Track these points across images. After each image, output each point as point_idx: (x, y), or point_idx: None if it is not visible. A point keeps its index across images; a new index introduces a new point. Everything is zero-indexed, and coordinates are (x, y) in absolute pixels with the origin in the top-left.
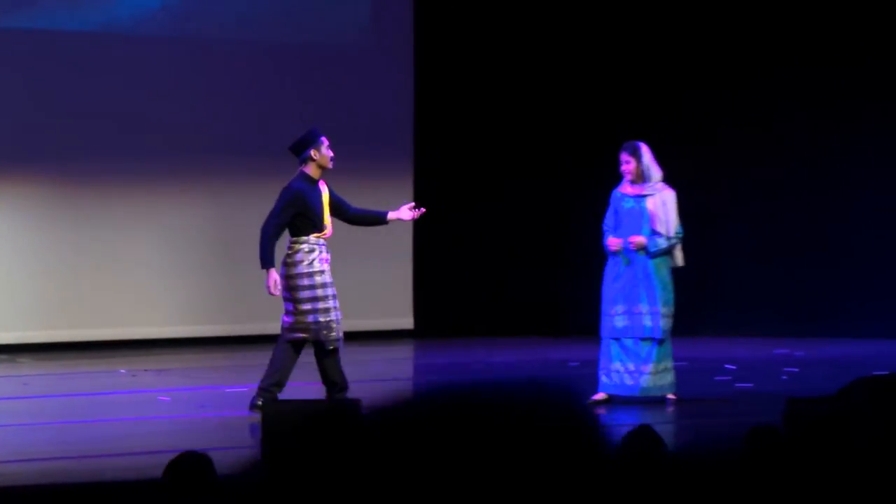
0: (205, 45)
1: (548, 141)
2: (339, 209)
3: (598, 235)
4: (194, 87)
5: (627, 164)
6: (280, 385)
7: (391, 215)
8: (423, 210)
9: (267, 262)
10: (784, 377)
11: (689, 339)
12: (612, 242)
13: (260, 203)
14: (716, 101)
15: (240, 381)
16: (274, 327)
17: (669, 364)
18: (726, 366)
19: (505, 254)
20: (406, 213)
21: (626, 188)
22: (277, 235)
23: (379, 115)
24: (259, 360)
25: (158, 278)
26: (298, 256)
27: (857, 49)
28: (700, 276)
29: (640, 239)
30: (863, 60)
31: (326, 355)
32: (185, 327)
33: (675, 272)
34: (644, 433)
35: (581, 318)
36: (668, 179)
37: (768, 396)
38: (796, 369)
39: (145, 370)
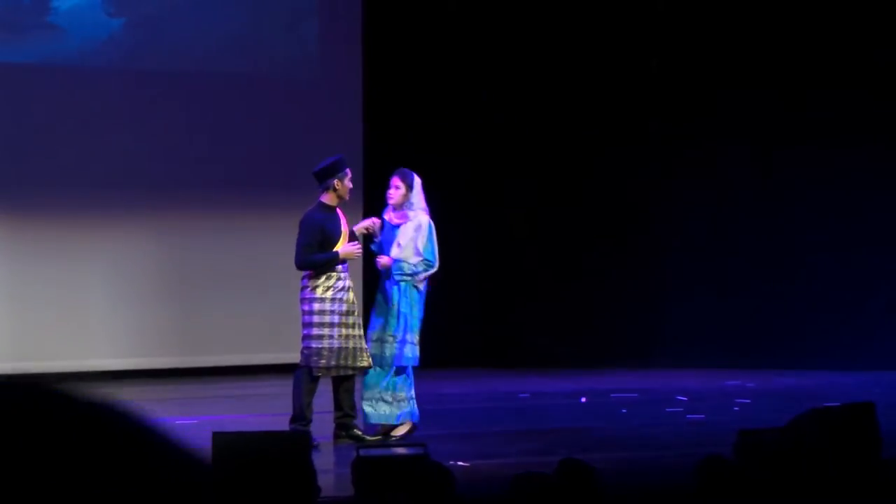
0: (153, 77)
1: (495, 174)
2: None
3: (550, 266)
4: (142, 119)
5: (396, 190)
6: (302, 419)
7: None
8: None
9: (331, 256)
10: (736, 408)
11: (641, 370)
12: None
13: (211, 234)
14: (666, 134)
15: (188, 413)
16: (223, 359)
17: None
18: (678, 397)
19: (457, 284)
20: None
21: (388, 215)
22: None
23: (327, 146)
24: (208, 392)
25: (107, 310)
26: (304, 282)
27: (810, 83)
28: (651, 307)
29: (386, 259)
30: (815, 95)
31: (311, 381)
32: (133, 359)
33: (605, 302)
34: (575, 466)
35: (531, 350)
36: (620, 211)
37: (720, 428)
38: (748, 401)
39: None
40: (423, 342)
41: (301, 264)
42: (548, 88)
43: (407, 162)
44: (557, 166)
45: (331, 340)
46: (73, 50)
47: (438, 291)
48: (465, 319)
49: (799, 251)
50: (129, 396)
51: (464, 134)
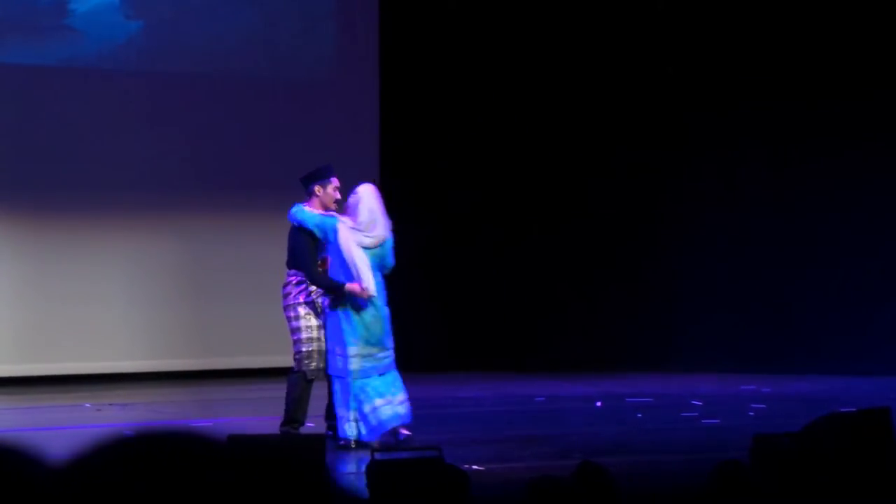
0: (171, 79)
1: (514, 177)
2: None
3: (565, 270)
4: (159, 122)
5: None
6: (294, 421)
7: None
8: None
9: (336, 285)
10: (751, 413)
11: (656, 374)
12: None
13: (226, 237)
14: (682, 139)
15: (205, 415)
16: (239, 361)
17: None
18: (693, 402)
19: (471, 289)
20: None
21: None
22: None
23: (344, 149)
24: (224, 395)
25: (123, 312)
26: (287, 289)
27: (825, 87)
28: (667, 311)
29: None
30: (831, 100)
31: (306, 384)
32: (150, 361)
33: (620, 306)
34: (591, 469)
35: (547, 354)
36: (636, 216)
37: (735, 432)
38: (763, 405)
39: (110, 404)
40: (435, 344)
41: (314, 280)
42: (564, 90)
43: (423, 166)
44: (576, 170)
45: (319, 343)
46: (91, 52)
47: (455, 296)
48: (480, 323)
49: (814, 256)
50: (146, 399)
51: (481, 137)
